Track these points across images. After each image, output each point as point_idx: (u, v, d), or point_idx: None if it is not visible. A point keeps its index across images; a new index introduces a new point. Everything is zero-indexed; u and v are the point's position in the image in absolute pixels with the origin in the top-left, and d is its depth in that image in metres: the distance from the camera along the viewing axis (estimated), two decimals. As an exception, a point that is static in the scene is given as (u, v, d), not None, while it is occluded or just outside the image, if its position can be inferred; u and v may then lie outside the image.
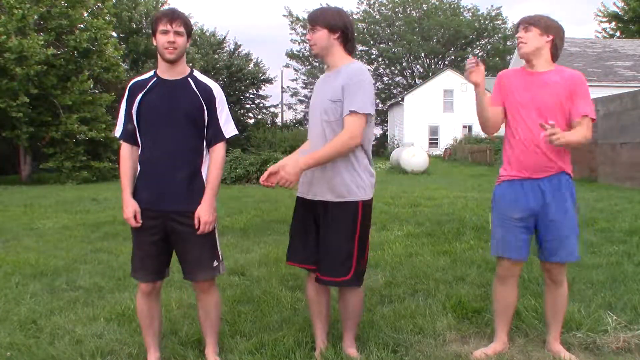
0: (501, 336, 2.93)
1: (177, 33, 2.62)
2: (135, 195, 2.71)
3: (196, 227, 2.64)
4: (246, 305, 3.72)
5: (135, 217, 2.67)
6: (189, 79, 2.73)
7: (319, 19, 2.70)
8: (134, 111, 2.71)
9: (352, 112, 2.60)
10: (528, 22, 2.78)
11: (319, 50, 2.72)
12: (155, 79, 2.73)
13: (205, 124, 2.72)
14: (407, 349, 2.91)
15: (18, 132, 17.85)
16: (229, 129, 2.77)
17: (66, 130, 18.32)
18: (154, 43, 2.68)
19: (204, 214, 2.65)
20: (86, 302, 3.89)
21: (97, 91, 21.61)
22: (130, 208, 2.66)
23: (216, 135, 2.75)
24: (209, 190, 2.69)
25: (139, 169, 2.74)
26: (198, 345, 2.99)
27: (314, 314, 2.91)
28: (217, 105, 2.74)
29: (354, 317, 2.87)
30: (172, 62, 2.67)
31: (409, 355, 2.84)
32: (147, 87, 2.71)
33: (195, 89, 2.71)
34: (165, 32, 2.61)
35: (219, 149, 2.76)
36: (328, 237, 2.71)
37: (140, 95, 2.70)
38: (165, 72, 2.71)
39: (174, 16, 2.62)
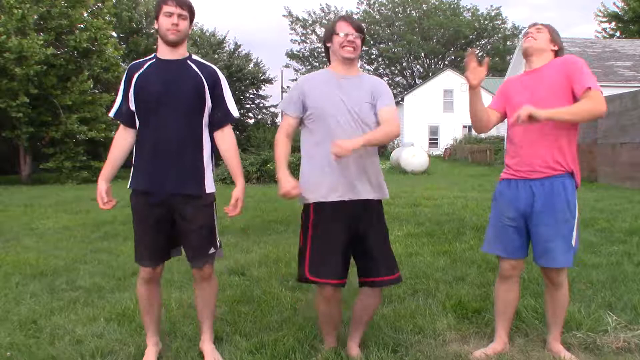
0: (501, 336, 2.93)
1: (181, 16, 2.62)
2: (136, 178, 2.70)
3: (232, 209, 2.71)
4: (246, 305, 3.71)
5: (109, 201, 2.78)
6: (189, 61, 2.72)
7: (363, 28, 2.74)
8: (131, 93, 2.67)
9: (389, 104, 2.69)
10: (542, 25, 2.84)
11: (357, 55, 2.73)
12: (154, 60, 2.71)
13: (208, 105, 2.70)
14: (407, 349, 2.91)
15: (18, 132, 17.85)
16: (235, 110, 2.79)
17: (66, 130, 18.31)
18: (156, 26, 2.67)
19: (242, 195, 2.74)
20: (86, 302, 3.89)
21: (97, 91, 21.59)
22: (98, 193, 2.75)
23: (226, 116, 2.76)
24: (239, 173, 2.77)
25: (135, 151, 2.73)
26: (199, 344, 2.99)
27: (327, 323, 2.84)
28: (222, 86, 2.74)
29: (372, 314, 2.92)
30: (174, 45, 2.66)
31: (409, 355, 2.84)
32: (145, 67, 2.69)
33: (196, 70, 2.69)
34: (170, 15, 2.61)
35: (229, 130, 2.78)
36: (380, 236, 2.71)
37: (136, 75, 2.66)
38: (165, 54, 2.69)
39: (179, 0, 2.63)
